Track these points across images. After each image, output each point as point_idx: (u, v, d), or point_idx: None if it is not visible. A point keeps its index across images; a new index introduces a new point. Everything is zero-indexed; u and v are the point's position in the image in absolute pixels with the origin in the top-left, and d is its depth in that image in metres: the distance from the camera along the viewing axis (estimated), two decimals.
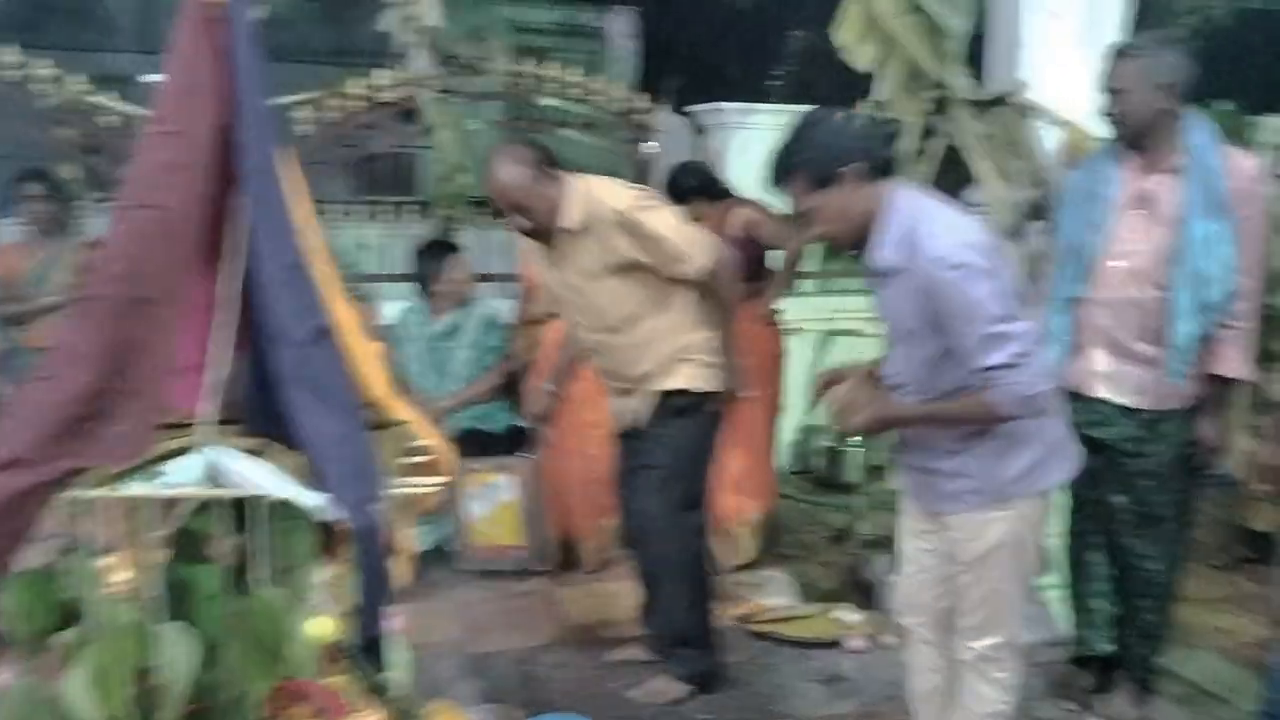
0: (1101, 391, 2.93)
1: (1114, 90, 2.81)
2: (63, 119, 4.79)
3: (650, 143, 5.32)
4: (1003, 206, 3.29)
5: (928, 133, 3.53)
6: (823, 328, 5.46)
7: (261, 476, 1.70)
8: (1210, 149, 2.78)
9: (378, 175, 5.26)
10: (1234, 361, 2.82)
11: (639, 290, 3.06)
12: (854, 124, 2.28)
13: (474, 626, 3.76)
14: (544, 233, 3.06)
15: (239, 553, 1.91)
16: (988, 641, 2.39)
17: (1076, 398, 2.97)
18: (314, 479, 1.73)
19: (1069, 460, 2.43)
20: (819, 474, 5.58)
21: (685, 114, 5.34)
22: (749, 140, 5.21)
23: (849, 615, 3.66)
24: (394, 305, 4.62)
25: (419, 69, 4.73)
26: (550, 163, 3.03)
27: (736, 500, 4.28)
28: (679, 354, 3.11)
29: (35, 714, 1.77)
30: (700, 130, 5.40)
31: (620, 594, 4.03)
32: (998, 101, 3.26)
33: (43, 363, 1.75)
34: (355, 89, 4.81)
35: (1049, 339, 2.99)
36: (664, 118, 5.13)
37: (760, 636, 3.64)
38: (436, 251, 4.25)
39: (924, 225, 2.19)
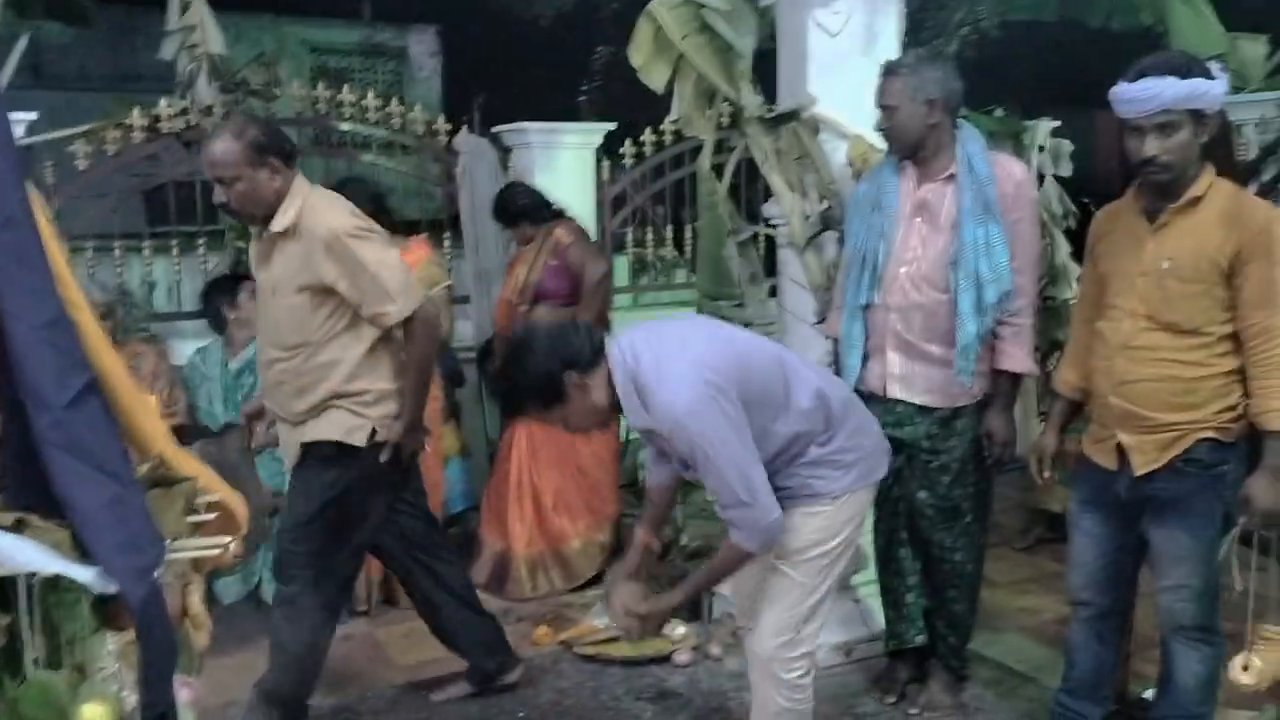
0: (897, 392, 3.06)
1: (885, 106, 2.96)
2: None
3: (455, 165, 5.26)
4: (797, 218, 3.40)
5: (722, 148, 3.62)
6: None
7: (25, 553, 1.56)
8: (981, 157, 2.95)
9: (164, 207, 4.97)
10: (1017, 357, 2.99)
11: (325, 319, 2.88)
12: (555, 341, 2.35)
13: None
14: (248, 217, 2.92)
15: (8, 634, 1.76)
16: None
17: (875, 399, 3.10)
18: (84, 550, 1.60)
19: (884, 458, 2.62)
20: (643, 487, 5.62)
21: (490, 135, 5.29)
22: (555, 159, 5.21)
23: (676, 629, 3.69)
24: (188, 344, 4.40)
25: (200, 96, 4.51)
26: (283, 156, 2.85)
27: (568, 523, 4.28)
28: (338, 399, 2.92)
29: None
30: (506, 150, 5.36)
31: None
32: (788, 117, 3.36)
33: None
34: (137, 119, 4.55)
35: (847, 345, 3.11)
36: (468, 139, 5.06)
37: (589, 659, 3.63)
38: (227, 286, 4.07)
39: (645, 379, 2.31)
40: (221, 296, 4.09)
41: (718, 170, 3.68)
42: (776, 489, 2.36)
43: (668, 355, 2.31)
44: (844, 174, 3.38)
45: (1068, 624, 2.96)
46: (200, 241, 4.98)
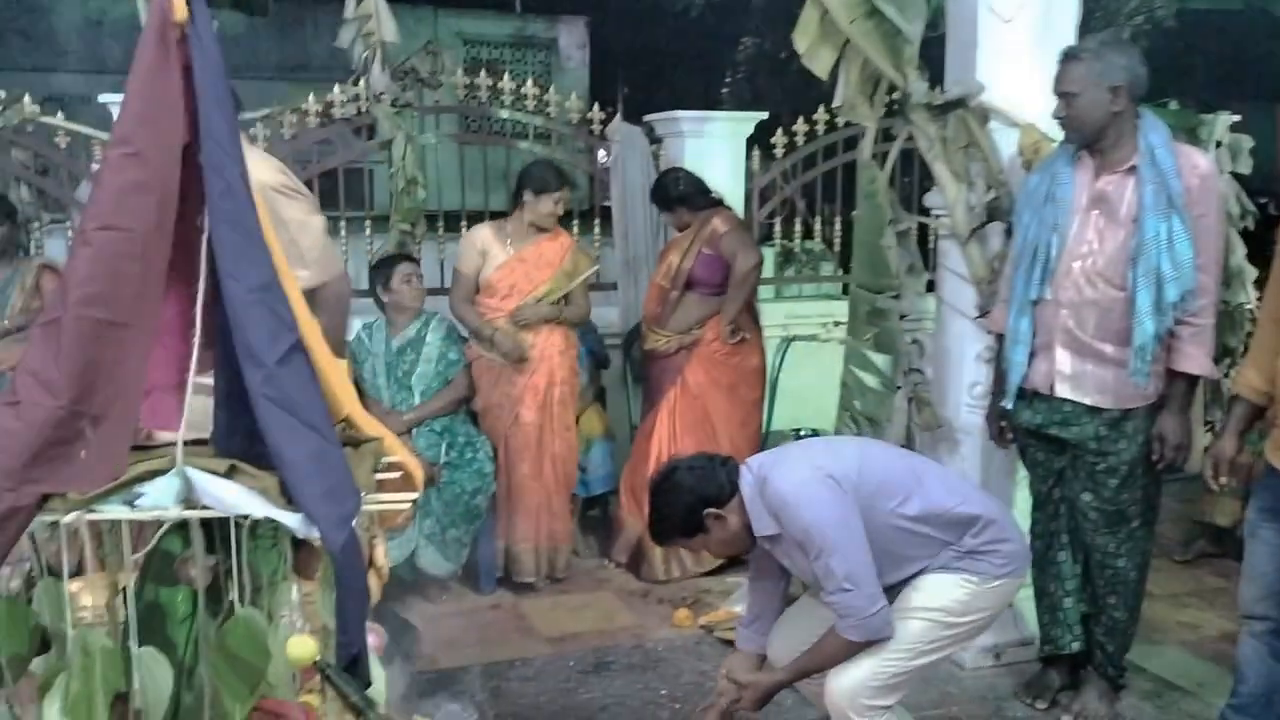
0: (1066, 391, 2.97)
1: (1064, 93, 2.86)
2: (14, 141, 4.72)
3: (604, 152, 5.34)
4: (961, 208, 3.34)
5: (886, 136, 3.57)
6: (780, 334, 5.49)
7: (236, 497, 1.67)
8: (1164, 148, 2.82)
9: (333, 191, 5.21)
10: (1196, 358, 2.86)
11: None
12: (690, 480, 2.52)
13: (443, 641, 3.74)
14: None
15: (212, 575, 1.89)
16: None
17: (1041, 398, 3.02)
18: (289, 498, 1.70)
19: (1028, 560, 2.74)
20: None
21: (640, 123, 5.35)
22: (705, 148, 5.23)
23: None
24: (355, 320, 4.59)
25: (374, 83, 4.71)
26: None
27: None
28: None
29: None
30: (656, 139, 5.41)
31: (586, 605, 4.06)
32: (956, 104, 3.30)
33: (10, 388, 1.71)
34: (312, 104, 4.78)
35: (1013, 340, 3.04)
36: (621, 127, 5.13)
37: (729, 644, 3.64)
38: (383, 269, 4.22)
39: (767, 484, 2.47)
40: (378, 278, 4.24)
41: (879, 159, 3.64)
42: (933, 550, 2.49)
43: (789, 459, 2.54)
44: (1013, 164, 3.29)
45: (1232, 641, 2.85)
46: (367, 224, 5.20)
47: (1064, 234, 2.91)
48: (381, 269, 4.26)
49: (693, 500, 2.49)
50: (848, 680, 2.45)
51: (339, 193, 5.20)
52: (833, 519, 2.38)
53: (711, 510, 2.49)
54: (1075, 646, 3.14)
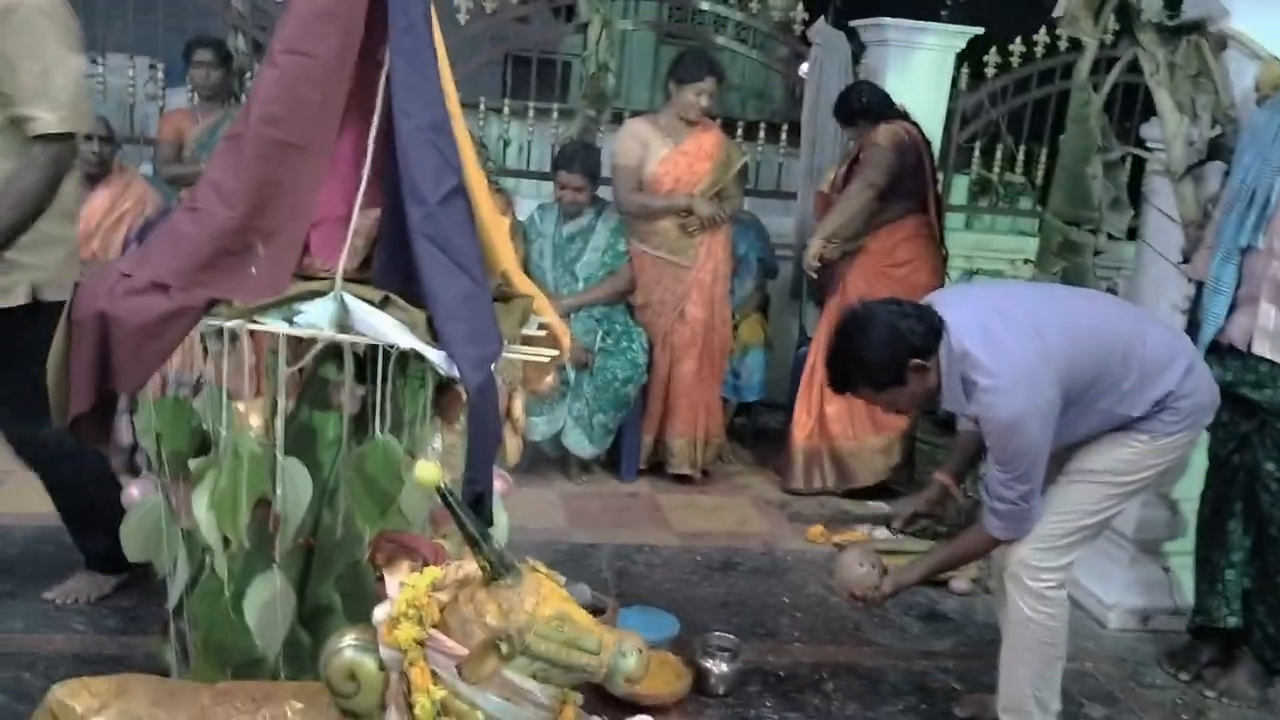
0: (1264, 349, 2.73)
1: None
2: None
3: (804, 64, 5.16)
4: (1180, 142, 3.06)
5: (1107, 65, 3.30)
6: (964, 265, 5.25)
7: (386, 326, 1.72)
8: None
9: (527, 78, 5.24)
10: None
11: None
12: (898, 324, 2.29)
13: (579, 518, 3.83)
14: None
15: (360, 404, 1.96)
16: None
17: (1235, 354, 2.79)
18: (435, 335, 1.74)
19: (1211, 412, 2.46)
20: (942, 417, 5.43)
21: (846, 29, 5.12)
22: (911, 60, 4.96)
23: None
24: (529, 202, 4.64)
25: None
26: None
27: (847, 425, 4.22)
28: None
29: (160, 527, 1.87)
30: (861, 47, 5.17)
31: (721, 508, 4.06)
32: (1191, 27, 3.00)
33: (191, 195, 1.80)
34: None
35: (1213, 290, 2.80)
36: (823, 30, 4.93)
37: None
38: (575, 157, 4.21)
39: (975, 374, 2.25)
40: (558, 167, 4.24)
41: (1094, 85, 3.38)
42: (1096, 408, 2.32)
43: (1003, 345, 2.25)
44: (1246, 99, 2.99)
45: None
46: (554, 112, 5.22)
47: None
48: (558, 158, 4.26)
49: (900, 347, 2.26)
50: (1023, 548, 2.39)
51: (530, 79, 5.22)
52: (1032, 452, 2.26)
53: (917, 361, 2.27)
54: (1231, 621, 2.93)
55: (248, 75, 5.06)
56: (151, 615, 2.82)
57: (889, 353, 2.27)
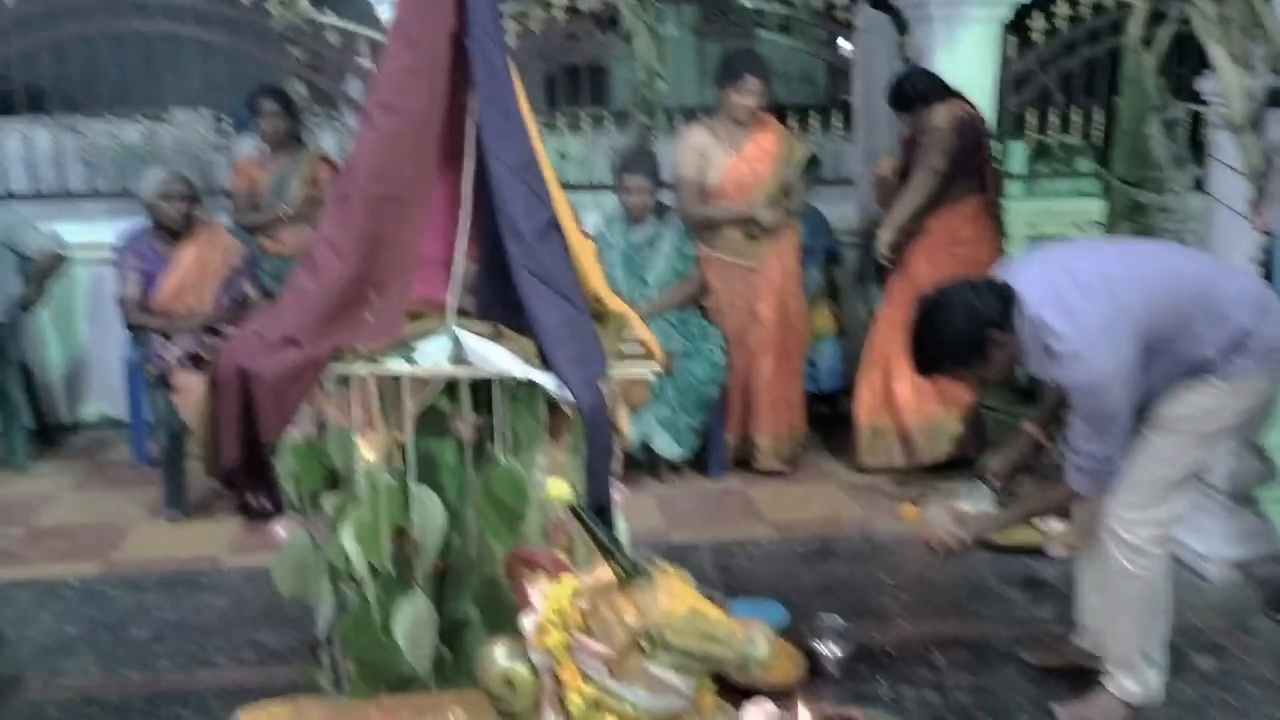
0: None
1: None
2: (289, 38, 5.11)
3: (846, 43, 5.21)
4: (1238, 94, 3.08)
5: (1158, 16, 3.32)
6: (1027, 232, 5.25)
7: (501, 358, 1.84)
8: None
9: (577, 87, 5.36)
10: None
11: None
12: (973, 302, 2.36)
13: (675, 519, 3.94)
14: None
15: (477, 430, 2.09)
16: None
17: None
18: (544, 361, 1.86)
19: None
20: (1020, 384, 5.44)
21: (888, 9, 5.15)
22: (957, 34, 4.96)
23: (1052, 524, 3.61)
24: (594, 215, 4.76)
25: None
26: None
27: (911, 399, 4.23)
28: None
29: (310, 562, 2.02)
30: (904, 27, 5.20)
31: (811, 497, 4.13)
32: None
33: (306, 255, 1.94)
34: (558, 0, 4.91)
35: (1278, 242, 2.82)
36: (866, 13, 4.98)
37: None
38: (636, 162, 4.31)
39: (1052, 337, 2.30)
40: (621, 173, 4.33)
41: (1146, 43, 3.40)
42: (1172, 354, 2.35)
43: (1077, 309, 2.28)
44: None
45: None
46: (607, 120, 5.34)
47: None
48: (618, 167, 4.36)
49: (979, 323, 2.33)
50: (1114, 503, 2.44)
51: (581, 89, 5.35)
52: (1115, 412, 2.31)
53: (997, 332, 2.34)
54: None
55: (309, 119, 5.26)
56: (285, 646, 3.00)
57: (968, 331, 2.34)
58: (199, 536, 3.79)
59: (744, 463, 4.40)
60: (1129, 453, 2.43)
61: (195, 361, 3.87)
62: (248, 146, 5.05)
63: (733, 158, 4.20)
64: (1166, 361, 2.37)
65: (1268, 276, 2.96)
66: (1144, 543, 2.44)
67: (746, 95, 4.13)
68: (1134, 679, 2.54)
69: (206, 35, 4.95)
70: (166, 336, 3.94)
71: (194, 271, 4.13)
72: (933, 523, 2.67)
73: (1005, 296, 2.34)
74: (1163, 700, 2.64)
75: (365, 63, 5.08)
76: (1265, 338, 2.36)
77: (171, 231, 4.10)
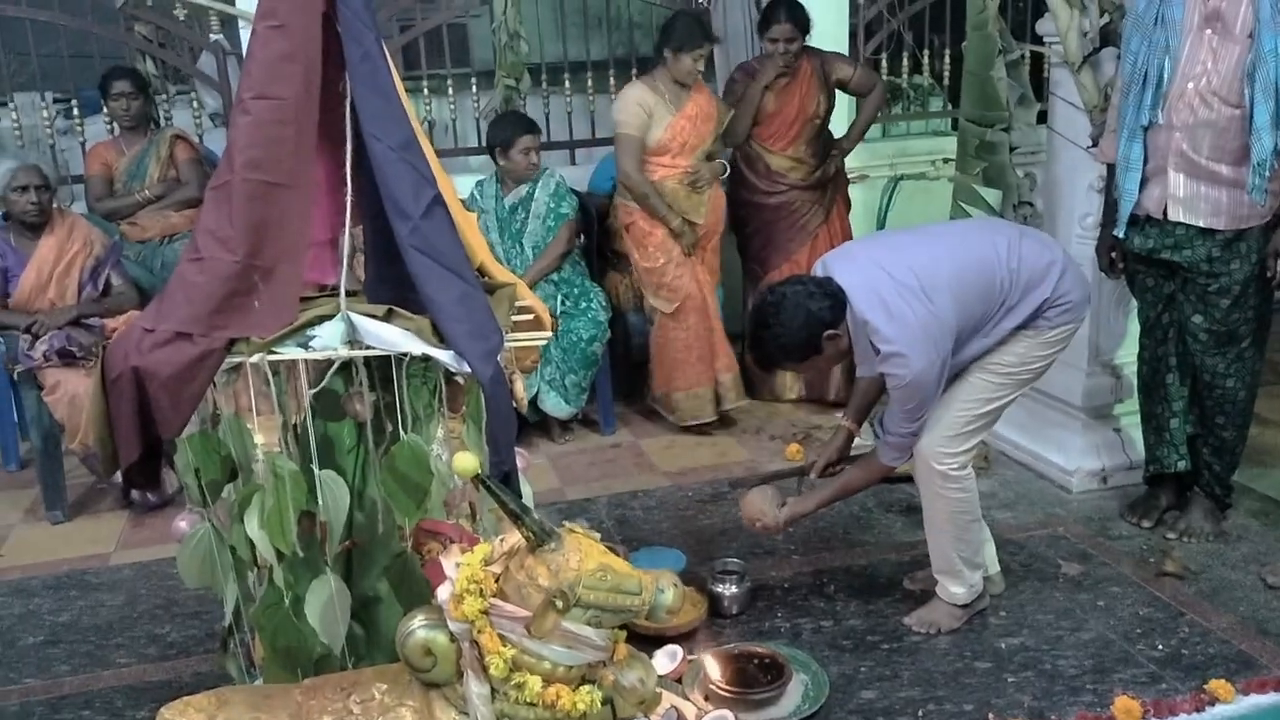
0: (1179, 215, 2.96)
1: None
2: (135, 15, 4.90)
3: None
4: (1074, 34, 3.27)
5: None
6: (887, 174, 5.45)
7: (396, 337, 1.87)
8: None
9: (437, 49, 5.28)
10: None
11: None
12: (809, 305, 2.53)
13: (569, 476, 4.01)
14: None
15: (372, 408, 2.11)
16: None
17: (1153, 223, 3.03)
18: (440, 337, 1.89)
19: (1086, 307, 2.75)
20: None
21: None
22: None
23: None
24: (462, 179, 4.73)
25: None
26: None
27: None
28: None
29: (215, 552, 2.02)
30: None
31: (701, 444, 4.26)
32: None
33: (190, 246, 1.91)
34: None
35: (1124, 168, 3.02)
36: None
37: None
38: (513, 136, 4.29)
39: (878, 336, 2.53)
40: (496, 141, 4.30)
41: None
42: (984, 331, 2.63)
43: (899, 314, 2.49)
44: None
45: None
46: (472, 81, 5.29)
47: (1176, 56, 2.86)
48: (501, 133, 4.30)
49: (814, 324, 2.53)
50: (930, 436, 2.67)
51: (444, 50, 5.27)
52: (929, 399, 2.57)
53: (830, 331, 2.55)
54: (1181, 466, 3.22)
55: (161, 98, 5.07)
56: (188, 639, 2.97)
57: (805, 333, 2.55)
58: (84, 536, 3.69)
59: (638, 416, 4.51)
60: (945, 397, 2.66)
61: (63, 357, 3.74)
62: (99, 130, 4.84)
63: (677, 115, 4.20)
64: (979, 338, 2.63)
65: (1110, 202, 3.16)
66: (953, 469, 2.69)
67: (699, 60, 4.18)
68: (958, 583, 2.80)
69: (45, 15, 4.69)
70: (31, 334, 3.78)
71: (54, 265, 3.96)
72: (751, 505, 2.87)
73: (837, 297, 2.55)
74: (1001, 590, 2.94)
75: (217, 37, 4.91)
76: (1067, 299, 2.64)
77: (27, 225, 3.93)
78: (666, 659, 2.59)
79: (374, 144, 1.88)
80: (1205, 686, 2.47)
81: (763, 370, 2.74)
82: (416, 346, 1.86)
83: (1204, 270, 2.98)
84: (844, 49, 5.04)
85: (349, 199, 1.91)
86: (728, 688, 2.50)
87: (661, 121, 4.19)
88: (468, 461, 1.66)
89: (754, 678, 2.55)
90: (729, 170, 4.46)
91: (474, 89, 5.27)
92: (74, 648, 2.97)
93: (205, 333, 1.81)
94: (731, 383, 4.37)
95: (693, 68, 4.17)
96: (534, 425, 4.34)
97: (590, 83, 5.40)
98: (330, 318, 1.88)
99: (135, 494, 3.79)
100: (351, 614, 2.12)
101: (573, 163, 5.26)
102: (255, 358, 1.83)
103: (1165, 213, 2.99)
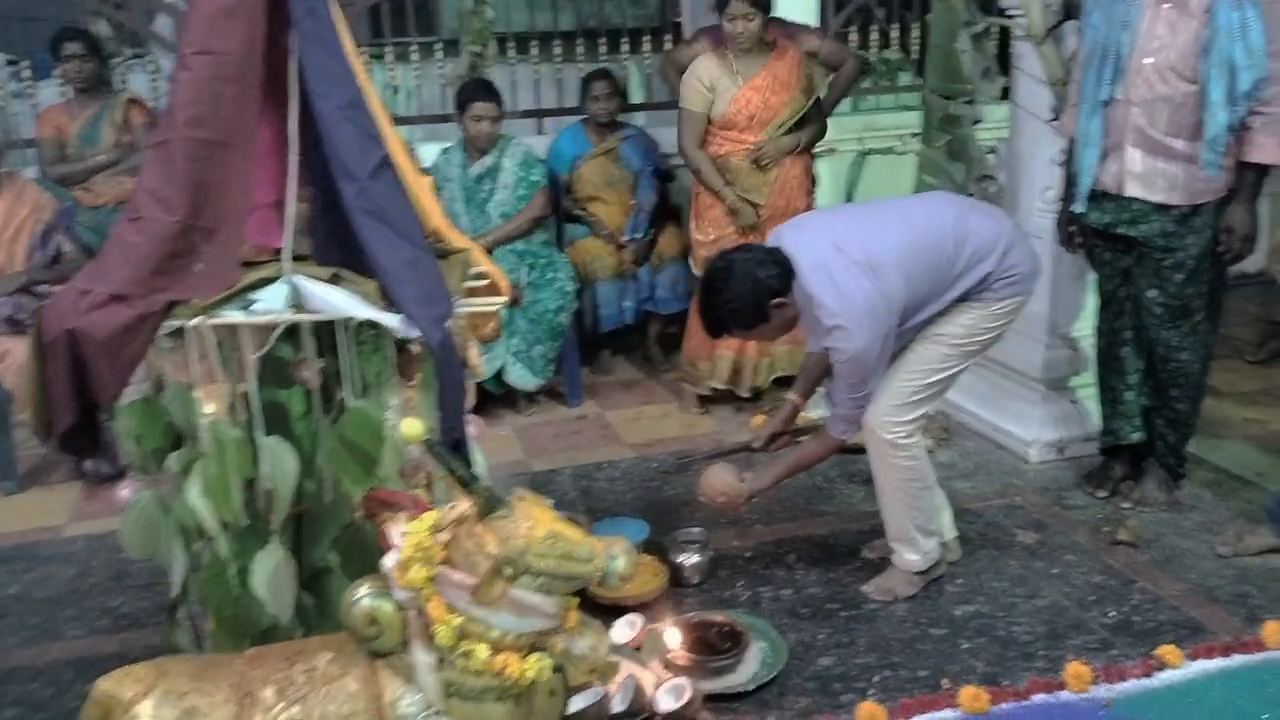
0: (1135, 190, 2.97)
1: None
2: None
3: None
4: (1037, 7, 3.26)
5: None
6: (856, 148, 5.44)
7: (343, 301, 1.83)
8: None
9: (401, 16, 5.20)
10: (1267, 147, 2.82)
11: None
12: (757, 273, 2.55)
13: (534, 448, 3.99)
14: None
15: (322, 377, 2.07)
16: None
17: (1110, 198, 3.03)
18: (388, 302, 1.86)
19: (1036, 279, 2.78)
20: None
21: None
22: None
23: None
24: (429, 147, 4.68)
25: None
26: None
27: None
28: None
29: (158, 521, 1.98)
30: None
31: (667, 416, 4.24)
32: None
33: (130, 205, 1.86)
34: None
35: (1084, 142, 3.02)
36: None
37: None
38: (469, 100, 4.24)
39: (821, 310, 2.55)
40: (458, 106, 4.25)
41: None
42: (931, 305, 2.64)
43: (845, 288, 2.51)
44: None
45: None
46: (438, 48, 5.21)
47: (1134, 31, 2.86)
48: (459, 97, 4.27)
49: (762, 291, 2.55)
50: (877, 405, 2.69)
51: (407, 18, 5.20)
52: (873, 372, 2.59)
53: (778, 299, 2.57)
54: (1136, 437, 3.25)
55: (116, 60, 4.96)
56: (139, 611, 2.94)
57: (752, 300, 2.56)
58: (35, 507, 3.64)
59: (599, 389, 4.47)
60: (894, 366, 2.68)
61: (12, 325, 3.67)
62: (51, 93, 4.73)
63: (743, 86, 3.89)
64: (926, 308, 2.64)
65: (1070, 176, 3.17)
66: (900, 438, 2.70)
67: (737, 20, 3.78)
68: (912, 550, 2.82)
69: None
70: None
71: (2, 230, 3.87)
72: (712, 483, 2.88)
73: (785, 267, 2.56)
74: (958, 557, 2.96)
75: None
76: (1014, 272, 2.65)
77: None
78: (626, 628, 2.59)
79: (320, 103, 1.84)
80: (1154, 652, 2.49)
81: (711, 336, 2.72)
82: (362, 311, 1.82)
83: (1159, 245, 2.99)
84: (814, 20, 5.00)
85: (293, 159, 1.87)
86: (686, 655, 2.50)
87: (726, 95, 3.88)
88: (413, 427, 1.63)
89: (713, 646, 2.55)
90: (802, 145, 4.02)
91: (440, 56, 5.20)
92: (23, 619, 2.93)
93: (144, 295, 1.77)
94: (765, 367, 4.18)
95: (734, 30, 3.78)
96: (499, 398, 4.31)
97: (559, 53, 5.35)
98: (274, 281, 1.84)
99: (89, 464, 3.72)
100: (302, 584, 2.10)
101: (540, 132, 5.21)
102: (194, 321, 1.79)
103: (1122, 188, 3.00)
